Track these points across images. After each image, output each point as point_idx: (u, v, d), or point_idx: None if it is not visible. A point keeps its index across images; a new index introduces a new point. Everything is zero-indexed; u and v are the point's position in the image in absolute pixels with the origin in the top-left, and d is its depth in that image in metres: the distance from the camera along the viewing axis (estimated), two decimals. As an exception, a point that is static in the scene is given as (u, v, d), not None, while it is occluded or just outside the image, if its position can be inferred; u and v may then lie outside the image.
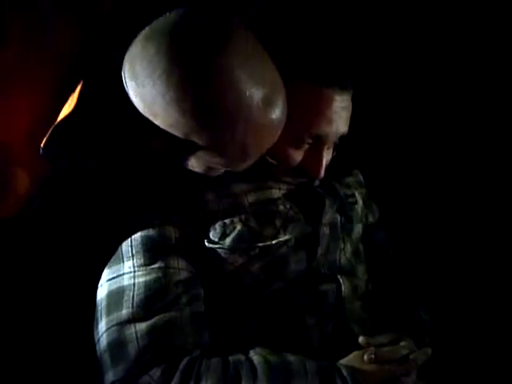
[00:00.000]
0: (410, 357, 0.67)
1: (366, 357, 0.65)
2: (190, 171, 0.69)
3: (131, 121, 0.61)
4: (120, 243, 0.67)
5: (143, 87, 0.56)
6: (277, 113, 0.61)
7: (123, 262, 0.66)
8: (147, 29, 0.57)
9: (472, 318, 0.95)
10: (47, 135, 0.61)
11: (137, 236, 0.67)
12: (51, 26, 0.61)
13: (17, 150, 0.61)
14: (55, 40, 0.61)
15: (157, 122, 0.58)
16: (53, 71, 0.62)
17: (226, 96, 0.56)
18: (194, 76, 0.54)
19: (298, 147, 0.72)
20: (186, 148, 0.61)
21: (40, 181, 0.66)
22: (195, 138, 0.59)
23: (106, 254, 0.68)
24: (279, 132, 0.64)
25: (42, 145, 0.62)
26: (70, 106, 0.63)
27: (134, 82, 0.57)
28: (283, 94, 0.63)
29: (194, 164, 0.66)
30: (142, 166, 0.72)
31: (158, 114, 0.57)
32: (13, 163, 0.61)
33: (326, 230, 0.76)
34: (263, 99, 0.58)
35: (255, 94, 0.57)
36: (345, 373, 0.62)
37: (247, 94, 0.56)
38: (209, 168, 0.67)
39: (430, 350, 0.70)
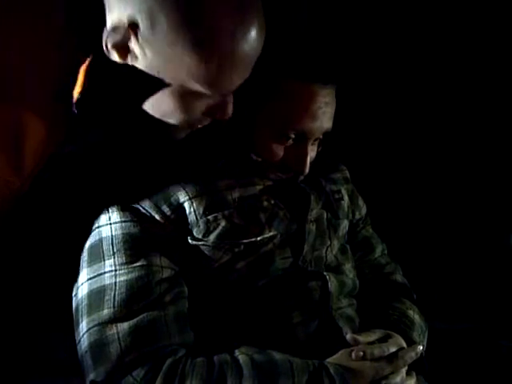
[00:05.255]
0: (399, 354, 0.66)
1: (353, 354, 0.64)
2: (174, 166, 0.68)
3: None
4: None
5: None
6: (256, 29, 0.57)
7: (104, 260, 0.65)
8: None
9: (464, 311, 0.95)
10: (81, 85, 0.58)
11: (118, 233, 0.66)
12: None
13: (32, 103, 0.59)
14: None
15: (123, 6, 0.54)
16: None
17: None
18: None
19: (281, 143, 0.72)
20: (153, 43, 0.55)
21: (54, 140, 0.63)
22: (162, 14, 0.53)
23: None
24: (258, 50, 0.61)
25: (74, 100, 0.59)
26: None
27: None
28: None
29: (163, 77, 0.58)
30: (128, 158, 0.71)
31: None
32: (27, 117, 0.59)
33: (312, 227, 0.76)
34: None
35: None
36: (332, 371, 0.61)
37: None
38: (181, 92, 0.60)
39: (419, 348, 0.70)
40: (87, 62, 0.58)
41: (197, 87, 0.59)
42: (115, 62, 0.57)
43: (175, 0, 0.53)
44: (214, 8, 0.54)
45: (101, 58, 0.58)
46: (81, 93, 0.59)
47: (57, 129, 0.62)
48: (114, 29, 0.55)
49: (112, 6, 0.55)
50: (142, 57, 0.56)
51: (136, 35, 0.54)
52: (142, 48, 0.55)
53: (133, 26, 0.54)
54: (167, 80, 0.58)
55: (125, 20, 0.54)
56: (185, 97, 0.60)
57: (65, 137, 0.65)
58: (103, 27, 0.56)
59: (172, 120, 0.64)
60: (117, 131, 0.65)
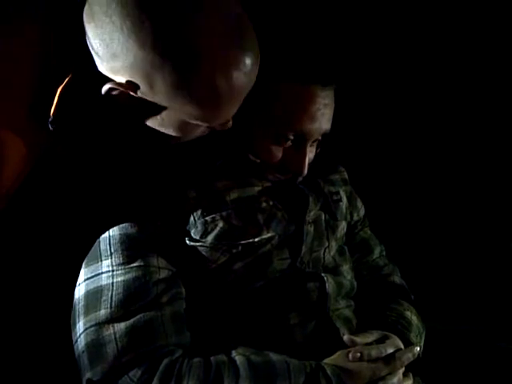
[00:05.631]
0: (396, 355, 0.66)
1: (351, 355, 0.64)
2: (172, 167, 0.67)
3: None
4: (97, 239, 0.66)
5: (101, 26, 0.53)
6: (250, 56, 0.57)
7: (101, 260, 0.65)
8: None
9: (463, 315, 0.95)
10: (55, 106, 0.59)
11: (115, 234, 0.66)
12: None
13: (10, 115, 0.58)
14: None
15: (117, 64, 0.54)
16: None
17: (189, 25, 0.51)
18: (150, 2, 0.51)
19: (280, 144, 0.72)
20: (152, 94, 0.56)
21: (35, 155, 0.63)
22: (159, 77, 0.54)
23: (83, 249, 0.67)
24: (252, 79, 0.60)
25: (51, 116, 0.59)
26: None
27: (92, 24, 0.54)
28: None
29: (167, 121, 0.61)
30: (125, 161, 0.70)
31: (117, 53, 0.53)
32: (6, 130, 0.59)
33: (310, 228, 0.75)
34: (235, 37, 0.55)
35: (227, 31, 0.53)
36: (329, 372, 0.61)
37: (216, 27, 0.53)
38: (183, 126, 0.62)
39: (417, 349, 0.70)
40: (65, 83, 0.59)
41: (197, 123, 0.61)
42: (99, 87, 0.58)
43: (171, 62, 0.53)
44: (211, 65, 0.54)
45: (81, 79, 0.58)
46: (53, 114, 0.59)
47: (35, 147, 0.62)
48: (115, 85, 0.56)
49: (104, 56, 0.55)
50: (141, 104, 0.57)
51: (135, 92, 0.56)
52: (142, 98, 0.57)
53: (132, 86, 0.55)
54: (167, 118, 0.60)
55: (123, 81, 0.55)
56: (185, 127, 0.62)
57: (43, 153, 0.65)
58: (84, 49, 0.57)
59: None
60: (109, 138, 0.65)
